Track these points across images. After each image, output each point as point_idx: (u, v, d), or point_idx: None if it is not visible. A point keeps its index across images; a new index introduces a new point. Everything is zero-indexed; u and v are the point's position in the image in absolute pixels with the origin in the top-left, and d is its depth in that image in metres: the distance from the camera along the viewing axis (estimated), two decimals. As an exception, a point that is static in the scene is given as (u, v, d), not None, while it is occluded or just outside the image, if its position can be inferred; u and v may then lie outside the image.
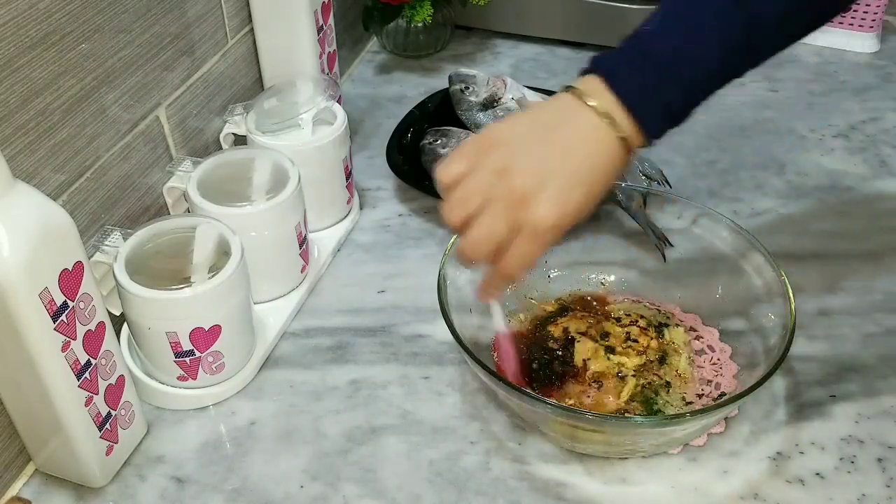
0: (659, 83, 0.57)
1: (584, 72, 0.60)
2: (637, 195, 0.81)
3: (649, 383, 0.71)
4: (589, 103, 0.57)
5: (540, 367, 0.73)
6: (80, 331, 0.59)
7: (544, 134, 0.58)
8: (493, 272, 0.61)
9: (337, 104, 0.87)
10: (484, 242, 0.58)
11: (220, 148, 0.87)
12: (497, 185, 0.57)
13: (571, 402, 0.70)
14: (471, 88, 1.01)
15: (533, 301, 0.79)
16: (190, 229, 0.71)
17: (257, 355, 0.75)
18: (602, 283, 0.81)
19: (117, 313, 0.69)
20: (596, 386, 0.71)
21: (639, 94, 0.57)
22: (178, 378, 0.71)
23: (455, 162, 0.59)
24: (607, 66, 0.58)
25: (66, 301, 0.57)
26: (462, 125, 1.00)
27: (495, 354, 0.71)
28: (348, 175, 0.88)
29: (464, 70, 1.04)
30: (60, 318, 0.56)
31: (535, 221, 0.56)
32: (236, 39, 0.89)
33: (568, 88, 0.59)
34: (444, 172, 0.60)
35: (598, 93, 0.58)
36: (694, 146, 1.02)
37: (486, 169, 0.58)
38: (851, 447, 0.68)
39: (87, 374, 0.60)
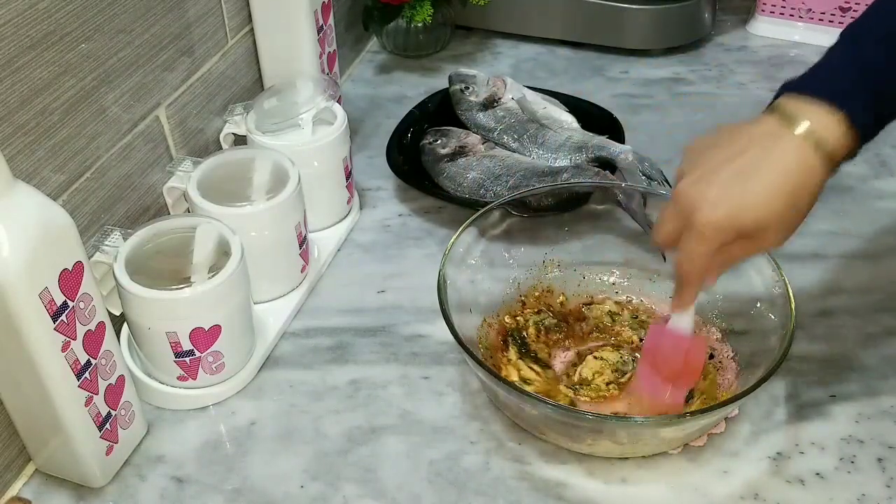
0: (852, 65, 0.57)
1: (777, 95, 0.59)
2: (637, 195, 0.81)
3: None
4: (792, 127, 0.56)
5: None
6: (80, 331, 0.59)
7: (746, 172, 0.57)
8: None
9: (337, 104, 0.87)
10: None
11: (220, 148, 0.87)
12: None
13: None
14: (471, 88, 1.01)
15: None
16: (190, 229, 0.71)
17: (257, 355, 0.75)
18: (602, 283, 0.81)
19: (117, 313, 0.69)
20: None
21: (833, 83, 0.57)
22: (178, 378, 0.71)
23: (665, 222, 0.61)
24: (800, 81, 0.58)
25: (66, 301, 0.57)
26: (462, 125, 1.00)
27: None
28: (348, 175, 0.88)
29: (464, 70, 1.04)
30: (60, 318, 0.56)
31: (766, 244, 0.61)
32: (236, 39, 0.89)
33: (769, 109, 0.58)
34: (657, 234, 0.62)
35: (796, 107, 0.57)
36: (694, 146, 1.02)
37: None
38: (851, 447, 0.68)
39: (87, 374, 0.60)
